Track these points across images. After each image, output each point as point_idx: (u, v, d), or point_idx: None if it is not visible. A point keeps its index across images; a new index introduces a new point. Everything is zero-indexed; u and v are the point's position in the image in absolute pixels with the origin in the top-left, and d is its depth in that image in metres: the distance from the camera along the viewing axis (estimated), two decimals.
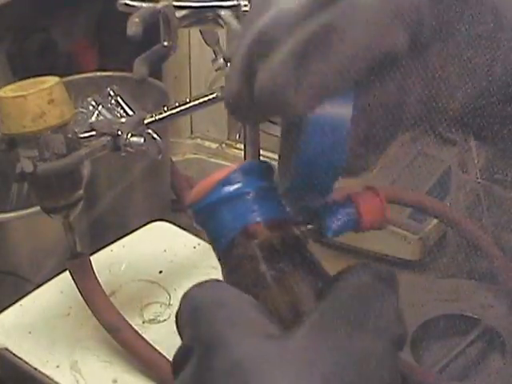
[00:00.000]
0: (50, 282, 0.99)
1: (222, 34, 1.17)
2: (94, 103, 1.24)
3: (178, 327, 0.44)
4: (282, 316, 0.43)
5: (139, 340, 0.87)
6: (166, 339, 0.89)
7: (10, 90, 0.98)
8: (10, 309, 0.96)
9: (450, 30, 0.45)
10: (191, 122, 1.45)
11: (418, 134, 1.11)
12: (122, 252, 1.03)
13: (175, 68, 1.40)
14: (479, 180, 1.02)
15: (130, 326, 0.88)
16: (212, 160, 1.40)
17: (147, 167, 1.23)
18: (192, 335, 0.42)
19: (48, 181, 0.87)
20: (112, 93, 1.26)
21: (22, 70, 1.41)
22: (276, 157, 0.48)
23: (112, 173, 1.24)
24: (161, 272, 1.01)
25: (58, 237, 0.96)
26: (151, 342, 0.87)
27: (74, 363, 0.89)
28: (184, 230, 1.06)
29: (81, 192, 0.88)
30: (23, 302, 0.97)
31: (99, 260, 0.96)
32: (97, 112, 1.23)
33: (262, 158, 1.10)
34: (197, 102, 0.98)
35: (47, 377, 0.88)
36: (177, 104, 1.00)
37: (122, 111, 1.24)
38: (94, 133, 1.03)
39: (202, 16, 1.15)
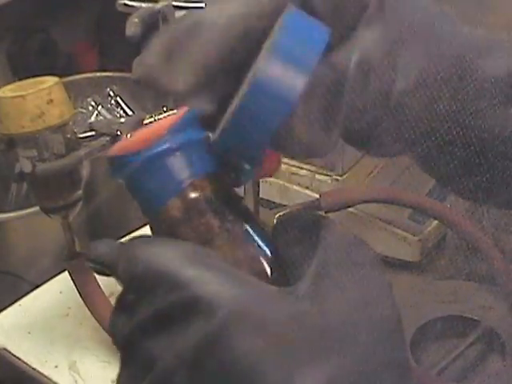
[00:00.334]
0: (48, 283, 0.99)
1: None
2: (93, 103, 1.24)
3: (132, 293, 0.42)
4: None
5: None
6: None
7: (9, 90, 0.98)
8: (9, 309, 0.96)
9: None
10: None
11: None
12: None
13: None
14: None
15: None
16: None
17: None
18: (175, 300, 0.40)
19: (47, 181, 0.87)
20: (111, 93, 1.26)
21: (22, 70, 1.41)
22: None
23: None
24: None
25: (57, 237, 0.96)
26: None
27: (73, 363, 0.89)
28: None
29: (80, 192, 0.88)
30: (22, 302, 0.97)
31: None
32: (96, 112, 1.23)
33: None
34: None
35: (46, 377, 0.88)
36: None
37: (121, 111, 1.24)
38: (93, 133, 1.03)
39: None
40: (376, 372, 0.40)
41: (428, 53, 0.46)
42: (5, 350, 0.91)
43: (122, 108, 1.24)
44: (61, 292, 0.97)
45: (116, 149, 0.44)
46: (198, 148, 0.44)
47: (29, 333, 0.93)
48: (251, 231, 0.44)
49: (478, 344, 0.93)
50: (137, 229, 1.06)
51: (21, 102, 0.94)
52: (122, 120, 1.12)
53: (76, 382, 0.88)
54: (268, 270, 0.43)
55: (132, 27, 1.04)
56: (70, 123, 1.02)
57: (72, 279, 0.89)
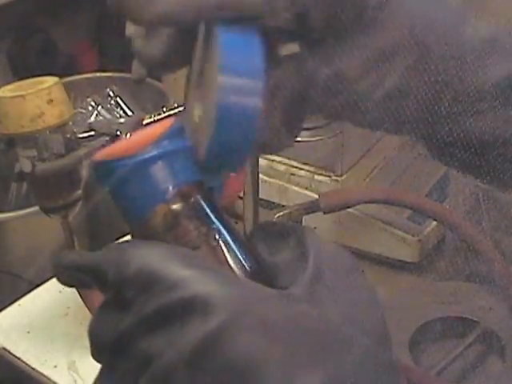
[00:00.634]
0: (48, 282, 0.99)
1: None
2: (93, 103, 1.25)
3: (121, 294, 0.42)
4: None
5: None
6: None
7: (8, 90, 0.98)
8: (9, 308, 0.96)
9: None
10: None
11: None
12: None
13: None
14: (479, 183, 1.02)
15: None
16: None
17: None
18: (173, 299, 0.40)
19: (46, 181, 0.87)
20: (111, 93, 1.26)
21: (22, 70, 1.41)
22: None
23: None
24: None
25: (56, 237, 0.96)
26: None
27: (72, 363, 0.89)
28: None
29: (79, 192, 0.88)
30: (21, 301, 0.97)
31: None
32: (96, 112, 1.23)
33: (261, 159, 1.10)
34: None
35: (45, 376, 0.88)
36: (176, 105, 1.00)
37: (121, 111, 1.24)
38: (93, 133, 1.03)
39: None
40: (374, 372, 0.40)
41: (428, 54, 0.46)
42: (4, 349, 0.91)
43: (121, 108, 1.24)
44: (60, 291, 0.97)
45: (101, 155, 0.44)
46: (182, 157, 0.44)
47: (28, 332, 0.93)
48: (231, 241, 0.44)
49: (477, 345, 0.93)
50: None
51: (21, 102, 0.94)
52: (122, 120, 1.12)
53: (75, 381, 0.87)
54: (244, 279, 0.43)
55: (132, 27, 1.04)
56: (70, 123, 1.02)
57: None
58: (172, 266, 0.41)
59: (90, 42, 1.52)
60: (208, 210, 0.44)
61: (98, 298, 0.52)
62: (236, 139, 0.42)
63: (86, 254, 0.44)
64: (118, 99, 1.25)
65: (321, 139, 1.17)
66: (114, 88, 1.27)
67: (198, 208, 0.44)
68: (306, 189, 1.15)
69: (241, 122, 0.42)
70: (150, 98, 1.25)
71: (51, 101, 0.96)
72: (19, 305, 0.97)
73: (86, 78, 1.30)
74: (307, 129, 1.14)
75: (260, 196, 0.95)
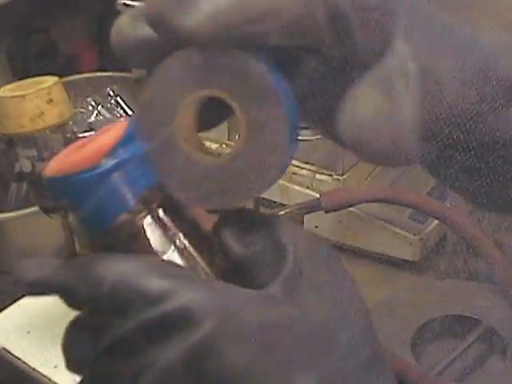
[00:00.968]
0: None
1: None
2: (93, 103, 1.25)
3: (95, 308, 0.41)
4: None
5: None
6: None
7: (8, 90, 0.98)
8: (9, 309, 0.96)
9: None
10: None
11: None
12: None
13: None
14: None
15: None
16: None
17: None
18: (156, 314, 0.39)
19: None
20: (111, 93, 1.26)
21: (22, 71, 1.40)
22: None
23: None
24: None
25: (56, 237, 0.96)
26: None
27: None
28: None
29: None
30: (22, 302, 0.97)
31: None
32: (96, 112, 1.23)
33: None
34: None
35: (45, 377, 0.88)
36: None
37: (121, 111, 1.24)
38: (93, 132, 1.02)
39: None
40: (364, 365, 0.40)
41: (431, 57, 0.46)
42: (4, 349, 0.91)
43: (121, 107, 1.24)
44: None
45: (53, 169, 0.42)
46: (140, 162, 0.42)
47: (28, 332, 0.93)
48: (197, 241, 0.44)
49: (478, 344, 0.93)
50: None
51: (20, 102, 0.94)
52: (122, 119, 1.12)
53: (75, 381, 0.87)
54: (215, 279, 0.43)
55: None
56: (70, 123, 1.02)
57: None
58: (149, 279, 0.39)
59: (89, 41, 1.52)
60: (172, 211, 0.43)
61: None
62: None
63: (47, 270, 0.42)
64: (118, 99, 1.25)
65: (322, 138, 1.17)
66: (114, 87, 1.27)
67: (163, 211, 0.43)
68: (308, 188, 1.15)
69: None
70: None
71: (51, 100, 0.96)
72: (19, 305, 0.97)
73: (86, 78, 1.30)
74: (308, 128, 1.14)
75: (261, 195, 0.95)
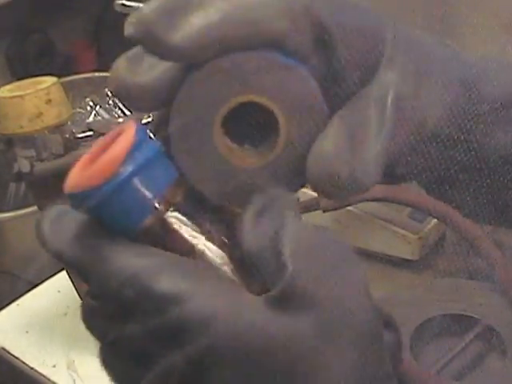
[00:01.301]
0: (47, 282, 0.99)
1: None
2: (91, 103, 1.25)
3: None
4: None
5: None
6: None
7: (7, 91, 0.98)
8: (7, 308, 0.96)
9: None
10: None
11: None
12: None
13: None
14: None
15: None
16: None
17: None
18: (163, 321, 0.38)
19: (45, 181, 0.87)
20: (109, 93, 1.26)
21: (21, 71, 1.41)
22: None
23: None
24: None
25: None
26: None
27: (71, 363, 0.89)
28: None
29: None
30: (20, 301, 0.97)
31: None
32: (94, 112, 1.23)
33: None
34: None
35: (44, 376, 0.88)
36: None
37: (119, 111, 1.24)
38: (91, 133, 1.03)
39: None
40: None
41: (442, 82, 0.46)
42: (3, 349, 0.91)
43: (119, 108, 1.24)
44: (59, 291, 0.97)
45: (73, 185, 0.41)
46: (157, 161, 0.42)
47: (27, 332, 0.93)
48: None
49: (477, 342, 0.93)
50: None
51: (19, 102, 0.94)
52: (120, 120, 1.12)
53: (74, 381, 0.87)
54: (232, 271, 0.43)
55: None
56: (69, 123, 1.02)
57: (70, 278, 0.89)
58: (159, 280, 0.39)
59: (88, 41, 1.52)
60: (195, 203, 0.43)
61: None
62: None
63: (66, 240, 0.41)
64: (116, 99, 1.25)
65: None
66: None
67: (186, 205, 0.43)
68: (306, 187, 1.15)
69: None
70: None
71: (50, 101, 0.96)
72: (18, 304, 0.97)
73: (85, 78, 1.30)
74: None
75: None
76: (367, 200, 1.03)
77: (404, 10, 1.30)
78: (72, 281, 0.88)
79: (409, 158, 0.45)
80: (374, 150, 0.42)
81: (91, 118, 1.20)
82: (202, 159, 0.44)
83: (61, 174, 0.85)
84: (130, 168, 0.41)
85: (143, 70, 0.42)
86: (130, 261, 0.40)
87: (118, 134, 0.42)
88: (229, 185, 0.44)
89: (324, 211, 1.01)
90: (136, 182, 0.41)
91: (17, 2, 1.34)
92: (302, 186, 0.47)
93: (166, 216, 0.42)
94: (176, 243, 0.42)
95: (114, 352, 0.41)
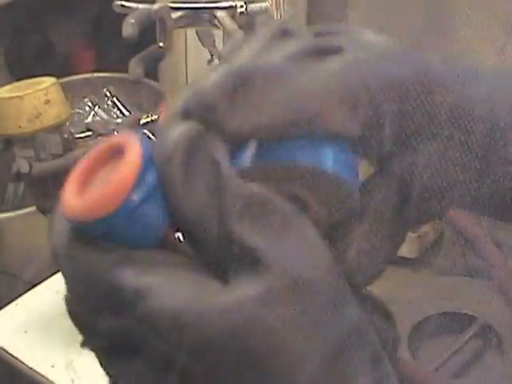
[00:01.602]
0: (45, 282, 0.99)
1: (217, 34, 1.17)
2: (90, 104, 1.25)
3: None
4: None
5: None
6: None
7: (6, 91, 0.98)
8: (6, 308, 0.97)
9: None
10: None
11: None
12: None
13: (171, 69, 1.40)
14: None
15: None
16: None
17: None
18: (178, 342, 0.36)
19: (44, 181, 0.87)
20: (108, 93, 1.26)
21: (20, 71, 1.41)
22: None
23: None
24: None
25: None
26: None
27: (70, 362, 0.89)
28: None
29: None
30: (19, 301, 0.98)
31: None
32: (93, 112, 1.23)
33: None
34: None
35: (42, 376, 0.88)
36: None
37: (118, 112, 1.24)
38: (90, 133, 1.03)
39: (198, 17, 1.15)
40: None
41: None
42: (1, 349, 0.91)
43: (118, 108, 1.24)
44: (57, 291, 0.97)
45: (78, 210, 0.39)
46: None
47: (25, 332, 0.93)
48: None
49: (475, 340, 0.93)
50: None
51: (18, 103, 0.94)
52: (119, 120, 1.13)
53: (73, 381, 0.88)
54: None
55: (129, 28, 1.04)
56: (67, 123, 1.02)
57: None
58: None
59: (87, 42, 1.52)
60: None
61: None
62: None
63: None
64: (115, 99, 1.26)
65: None
66: (111, 88, 1.27)
67: None
68: None
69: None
70: (146, 98, 1.25)
71: (48, 101, 0.96)
72: (16, 304, 0.97)
73: (83, 79, 1.30)
74: None
75: None
76: None
77: (404, 10, 1.30)
78: None
79: None
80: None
81: (90, 119, 1.20)
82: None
83: (59, 175, 0.86)
84: (141, 193, 0.39)
85: None
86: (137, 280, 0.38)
87: (118, 148, 0.41)
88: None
89: None
90: (148, 205, 0.40)
91: (16, 3, 1.35)
92: None
93: (177, 235, 0.42)
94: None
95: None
